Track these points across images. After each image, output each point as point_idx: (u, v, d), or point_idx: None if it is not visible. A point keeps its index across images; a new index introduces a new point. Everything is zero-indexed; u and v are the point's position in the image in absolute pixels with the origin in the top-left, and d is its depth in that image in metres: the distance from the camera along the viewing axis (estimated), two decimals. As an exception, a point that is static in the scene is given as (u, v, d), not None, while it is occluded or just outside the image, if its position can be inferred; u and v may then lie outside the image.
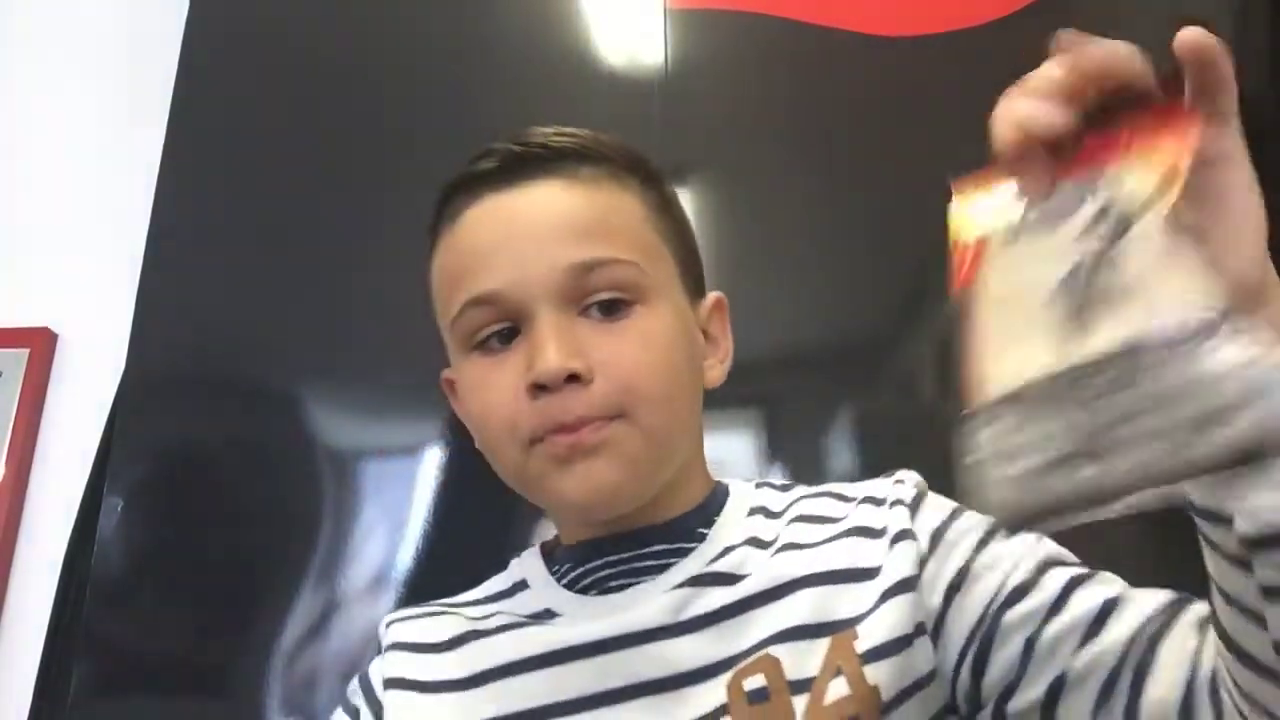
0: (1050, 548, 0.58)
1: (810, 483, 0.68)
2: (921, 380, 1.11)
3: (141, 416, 1.14)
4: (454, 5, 1.27)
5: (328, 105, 1.24)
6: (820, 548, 0.61)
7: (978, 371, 0.41)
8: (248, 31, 1.30)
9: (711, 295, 0.68)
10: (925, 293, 1.09)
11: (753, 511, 0.65)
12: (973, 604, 0.57)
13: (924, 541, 0.59)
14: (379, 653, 0.67)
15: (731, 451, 1.07)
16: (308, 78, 1.27)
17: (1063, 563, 0.57)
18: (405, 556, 1.07)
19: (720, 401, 0.66)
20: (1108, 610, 0.53)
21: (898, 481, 0.63)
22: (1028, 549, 0.58)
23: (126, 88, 1.47)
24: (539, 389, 0.57)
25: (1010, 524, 0.43)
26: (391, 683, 0.64)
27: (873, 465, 1.02)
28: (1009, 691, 0.55)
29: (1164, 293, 0.37)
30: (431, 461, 1.10)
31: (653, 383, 0.59)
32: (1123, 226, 0.39)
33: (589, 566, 0.64)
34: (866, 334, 1.13)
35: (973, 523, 0.60)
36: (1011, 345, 0.41)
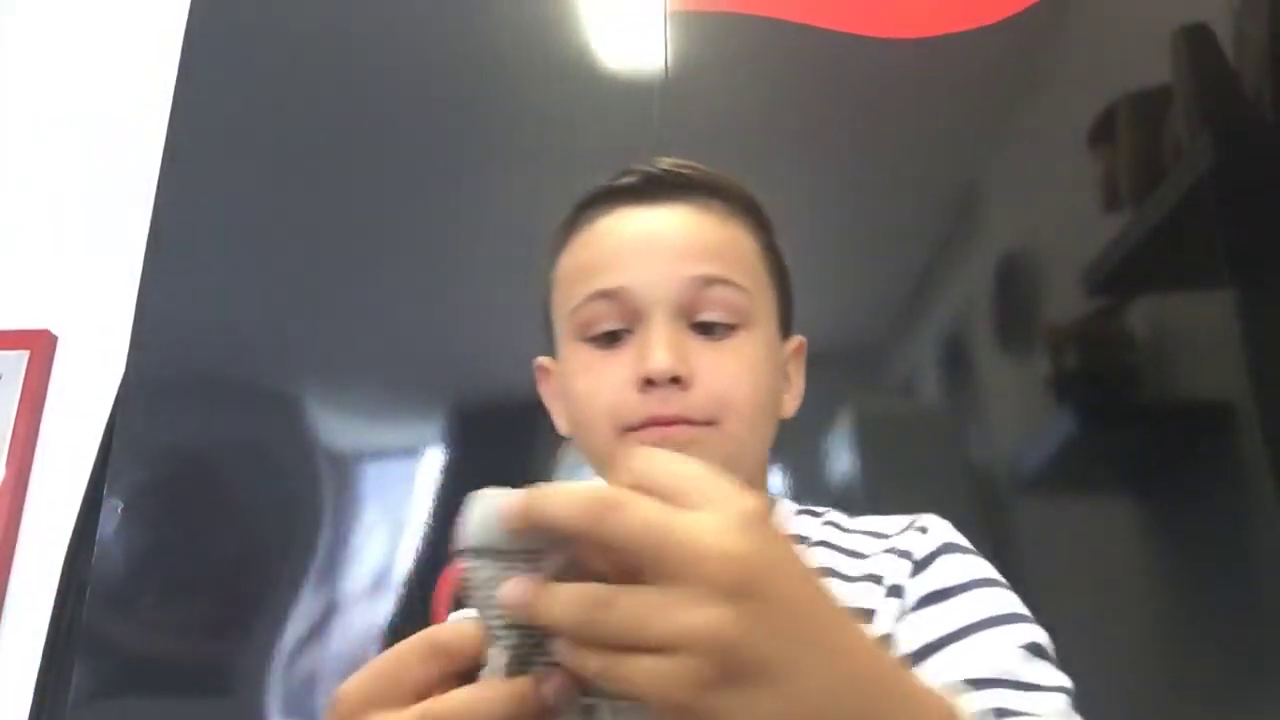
0: (1007, 660, 0.55)
1: (812, 487, 0.68)
2: (922, 380, 1.11)
3: (141, 416, 1.14)
4: (455, 7, 1.27)
5: (327, 107, 1.24)
6: (837, 583, 0.61)
7: None
8: (248, 33, 1.30)
9: (795, 338, 0.71)
10: (925, 292, 1.09)
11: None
12: None
13: (910, 601, 0.59)
14: None
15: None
16: (308, 80, 1.27)
17: (1005, 682, 0.53)
18: (405, 557, 1.07)
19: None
20: None
21: (920, 530, 0.63)
22: (990, 654, 0.55)
23: (127, 88, 1.47)
24: (647, 383, 0.60)
25: None
26: None
27: (872, 466, 1.02)
28: None
29: None
30: (431, 462, 1.10)
31: (744, 399, 0.63)
32: None
33: None
34: (866, 334, 1.13)
35: (969, 602, 0.58)
36: None
